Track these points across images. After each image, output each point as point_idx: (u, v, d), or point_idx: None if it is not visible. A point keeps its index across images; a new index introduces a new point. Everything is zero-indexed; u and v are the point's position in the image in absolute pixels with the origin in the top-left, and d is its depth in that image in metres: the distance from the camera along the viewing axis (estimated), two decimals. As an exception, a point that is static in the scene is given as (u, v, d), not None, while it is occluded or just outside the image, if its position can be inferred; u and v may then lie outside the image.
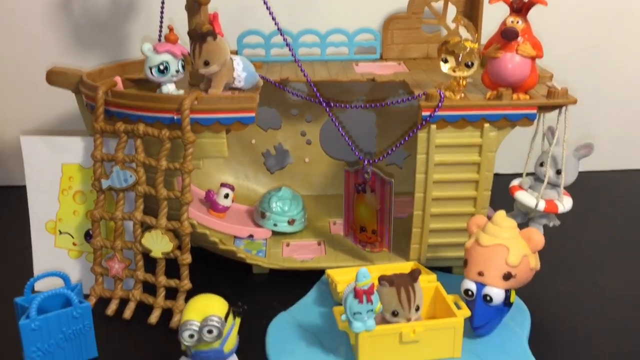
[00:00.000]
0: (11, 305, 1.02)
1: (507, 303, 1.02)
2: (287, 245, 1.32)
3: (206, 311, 0.94)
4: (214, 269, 1.27)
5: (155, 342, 1.07)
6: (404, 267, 1.12)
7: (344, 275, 1.11)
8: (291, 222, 1.33)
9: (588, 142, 1.15)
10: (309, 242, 1.33)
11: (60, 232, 1.20)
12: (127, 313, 1.13)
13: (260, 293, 1.21)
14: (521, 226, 1.19)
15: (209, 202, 1.34)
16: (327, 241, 1.33)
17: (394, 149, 1.13)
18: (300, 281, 1.21)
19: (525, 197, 1.16)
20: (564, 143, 1.13)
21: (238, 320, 0.99)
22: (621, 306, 1.13)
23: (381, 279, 0.96)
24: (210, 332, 0.93)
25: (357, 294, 0.92)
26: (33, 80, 1.50)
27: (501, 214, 1.03)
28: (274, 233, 1.34)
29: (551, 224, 1.20)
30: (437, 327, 0.97)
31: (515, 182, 1.21)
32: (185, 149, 1.07)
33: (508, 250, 0.99)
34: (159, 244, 1.10)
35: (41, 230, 1.20)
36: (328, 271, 1.17)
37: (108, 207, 1.16)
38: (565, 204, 1.16)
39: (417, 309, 0.97)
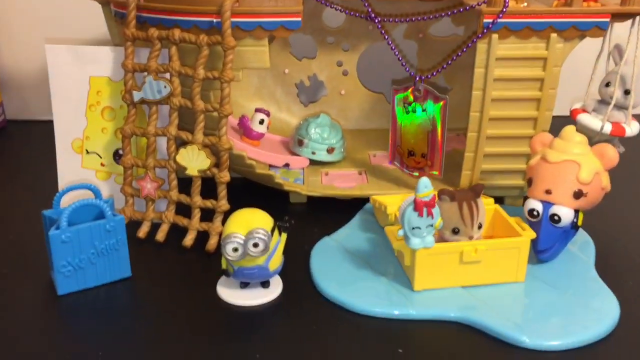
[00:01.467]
0: (38, 228, 0.94)
1: (574, 225, 0.94)
2: (326, 174, 1.24)
3: (251, 224, 0.87)
4: (248, 198, 1.19)
5: (190, 265, 1.00)
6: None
7: (392, 200, 1.03)
8: (330, 151, 1.25)
9: (660, 59, 1.05)
10: (349, 171, 1.25)
11: (88, 152, 1.12)
12: (160, 235, 1.05)
13: (299, 222, 1.13)
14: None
15: (243, 129, 1.25)
16: (368, 171, 1.24)
17: (449, 62, 1.04)
18: (340, 211, 1.13)
19: (589, 120, 1.07)
20: (635, 59, 1.04)
21: (284, 236, 0.91)
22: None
23: (441, 192, 0.88)
24: (256, 245, 0.85)
25: (417, 205, 0.84)
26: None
27: (570, 128, 0.95)
28: (312, 162, 1.26)
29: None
30: (501, 247, 0.89)
31: (576, 105, 1.12)
32: (225, 55, 0.99)
33: (579, 167, 0.91)
34: (195, 160, 1.02)
35: (67, 150, 1.12)
36: (374, 196, 1.09)
37: (140, 122, 1.08)
38: (633, 127, 1.07)
39: (480, 226, 0.89)
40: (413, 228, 0.85)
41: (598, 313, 0.85)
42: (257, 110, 1.25)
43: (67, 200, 0.95)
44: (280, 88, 1.44)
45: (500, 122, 1.06)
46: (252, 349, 0.82)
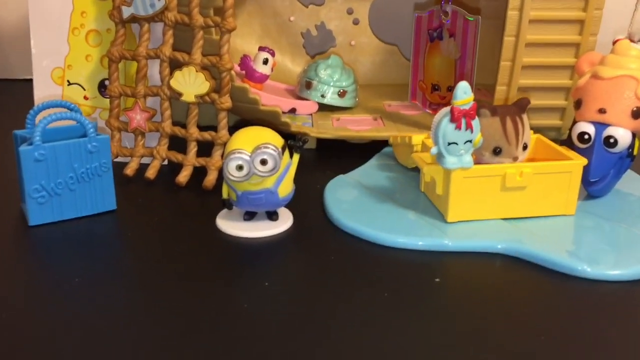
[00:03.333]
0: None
1: (630, 154, 0.81)
2: (337, 119, 1.11)
3: (258, 140, 0.73)
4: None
5: (185, 201, 0.87)
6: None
7: (418, 137, 0.90)
8: (342, 95, 1.12)
9: None
10: (363, 117, 1.12)
11: (69, 83, 0.99)
12: (151, 172, 0.92)
13: (308, 169, 1.00)
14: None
15: (245, 70, 1.13)
16: (384, 117, 1.12)
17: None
18: (354, 159, 0.98)
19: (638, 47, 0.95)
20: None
21: (296, 158, 0.78)
22: None
23: (481, 106, 0.75)
24: (264, 162, 0.72)
25: (454, 115, 0.71)
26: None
27: (626, 41, 0.82)
28: (321, 108, 1.13)
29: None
30: (551, 171, 0.76)
31: (620, 36, 1.00)
32: (229, -39, 0.86)
33: (638, 82, 0.78)
34: (191, 84, 0.89)
35: (45, 81, 0.99)
36: (394, 135, 0.96)
37: (129, 45, 0.95)
38: (685, 57, 0.94)
39: (525, 147, 0.76)
40: (449, 144, 0.72)
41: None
42: (261, 48, 1.13)
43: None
44: (285, 37, 1.31)
45: (538, 48, 0.94)
46: (260, 278, 0.68)
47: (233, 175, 0.73)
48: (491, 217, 0.77)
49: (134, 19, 0.91)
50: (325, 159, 1.04)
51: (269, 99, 1.11)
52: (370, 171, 0.93)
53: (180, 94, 0.90)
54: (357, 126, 1.07)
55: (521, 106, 0.76)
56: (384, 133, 1.02)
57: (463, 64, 0.95)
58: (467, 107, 0.71)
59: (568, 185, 0.77)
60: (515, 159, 0.76)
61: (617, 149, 0.79)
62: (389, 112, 1.13)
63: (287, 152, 0.77)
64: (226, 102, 0.89)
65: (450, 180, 0.75)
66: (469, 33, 0.92)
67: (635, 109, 0.78)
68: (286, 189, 0.76)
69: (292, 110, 1.12)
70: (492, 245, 0.73)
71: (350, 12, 1.30)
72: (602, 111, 0.79)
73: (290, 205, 0.80)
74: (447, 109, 0.72)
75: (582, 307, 0.65)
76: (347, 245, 0.75)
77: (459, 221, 0.77)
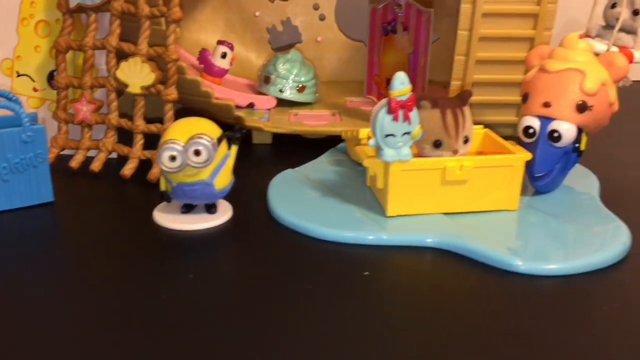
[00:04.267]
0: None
1: (576, 149, 0.80)
2: (295, 114, 1.09)
3: (193, 131, 0.72)
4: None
5: (127, 195, 0.85)
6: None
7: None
8: (300, 90, 1.11)
9: (673, -25, 0.93)
10: (322, 112, 1.11)
11: (19, 74, 0.97)
12: (96, 165, 0.90)
13: (262, 163, 0.99)
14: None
15: (204, 64, 1.11)
16: (343, 113, 1.10)
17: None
18: (309, 155, 0.96)
19: (595, 44, 0.94)
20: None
21: (234, 149, 0.76)
22: None
23: (421, 98, 0.73)
24: (197, 153, 0.71)
25: (391, 106, 0.70)
26: None
27: (573, 35, 0.81)
28: (280, 103, 1.12)
29: (621, 83, 0.97)
30: (491, 165, 0.75)
31: (580, 32, 0.99)
32: (174, -51, 0.85)
33: (583, 75, 0.77)
34: (137, 75, 0.88)
35: (-5, 72, 0.97)
36: (345, 130, 0.95)
37: (79, 35, 0.93)
38: (641, 53, 0.93)
39: (466, 140, 0.75)
40: (386, 136, 0.71)
41: (604, 239, 0.71)
42: (220, 42, 1.11)
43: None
44: (250, 33, 1.30)
45: (492, 42, 0.93)
46: (184, 270, 0.67)
47: (166, 166, 0.71)
48: (432, 211, 0.76)
49: (80, 8, 0.90)
50: (281, 153, 1.02)
51: (228, 93, 1.10)
52: (320, 166, 0.91)
53: (126, 85, 0.89)
54: (314, 121, 1.06)
55: (463, 99, 0.74)
56: (339, 128, 1.01)
57: (416, 58, 0.94)
58: (404, 99, 0.70)
59: (510, 180, 0.76)
60: (455, 152, 0.74)
61: (561, 144, 0.77)
62: (349, 108, 1.12)
63: (224, 144, 0.75)
64: (172, 93, 0.88)
65: (389, 174, 0.73)
66: (422, 27, 0.91)
67: (580, 102, 0.77)
68: (223, 181, 0.75)
69: (251, 105, 1.11)
70: (427, 240, 0.71)
71: (316, 7, 1.29)
72: (546, 105, 0.78)
73: (234, 198, 0.79)
74: (385, 100, 0.71)
75: (514, 302, 0.63)
76: (283, 238, 0.74)
77: (399, 215, 0.75)
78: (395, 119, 0.70)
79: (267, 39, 1.30)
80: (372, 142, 0.72)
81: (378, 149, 0.72)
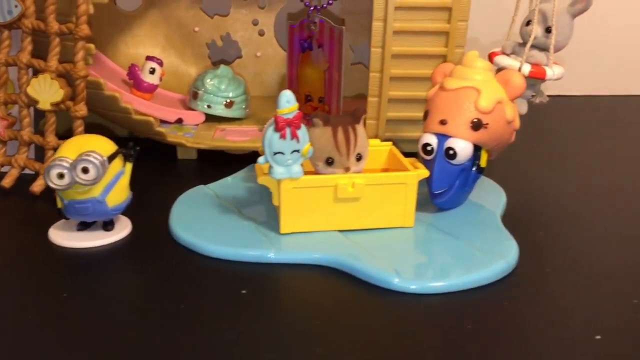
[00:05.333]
0: None
1: (476, 166, 0.80)
2: (222, 130, 1.10)
3: (84, 148, 0.72)
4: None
5: (33, 212, 0.85)
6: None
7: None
8: (228, 105, 1.11)
9: (586, -7, 0.93)
10: (249, 128, 1.11)
11: (-62, 90, 0.97)
12: (7, 180, 0.90)
13: (180, 181, 0.98)
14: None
15: (133, 79, 1.12)
16: (270, 128, 1.10)
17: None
18: (232, 170, 0.96)
19: (507, 61, 0.94)
20: (555, -10, 0.91)
21: (129, 167, 0.76)
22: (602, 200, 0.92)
23: (314, 116, 0.74)
24: (85, 170, 0.71)
25: (278, 124, 0.70)
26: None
27: (473, 53, 0.81)
28: (209, 118, 1.12)
29: (537, 100, 0.98)
30: (384, 182, 0.75)
31: (496, 49, 0.99)
32: (81, -33, 0.85)
33: (478, 93, 0.77)
34: (47, 91, 0.88)
35: None
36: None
37: (-9, 52, 0.93)
38: (555, 70, 0.94)
39: (359, 158, 0.75)
40: (275, 153, 0.71)
41: (490, 257, 0.71)
42: (148, 58, 1.12)
43: None
44: (190, 48, 1.30)
45: (405, 59, 0.93)
46: (60, 289, 0.66)
47: (54, 184, 0.71)
48: (327, 228, 0.76)
49: (-7, 25, 0.90)
50: (204, 169, 1.03)
51: (155, 108, 1.10)
52: (233, 182, 0.91)
53: (36, 102, 0.89)
54: (240, 137, 1.06)
55: (355, 116, 0.75)
56: (259, 144, 1.01)
57: (331, 74, 0.94)
58: (290, 117, 0.70)
59: (404, 198, 0.76)
60: (347, 169, 0.74)
61: (457, 161, 0.78)
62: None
63: (119, 161, 0.75)
64: (81, 110, 0.88)
65: (280, 191, 0.73)
66: (335, 44, 0.91)
67: (474, 120, 0.77)
68: (117, 198, 0.75)
69: (179, 120, 1.11)
70: (315, 258, 0.72)
71: (255, 23, 1.30)
72: (443, 122, 0.78)
73: (139, 213, 0.79)
74: (273, 118, 0.71)
75: (390, 320, 0.63)
76: (176, 256, 0.74)
77: (294, 232, 0.75)
78: (283, 137, 0.70)
79: (207, 54, 1.31)
80: (261, 159, 0.72)
81: (269, 167, 0.73)
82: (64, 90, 0.88)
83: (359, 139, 0.74)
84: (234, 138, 1.05)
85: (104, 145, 0.74)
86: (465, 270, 0.68)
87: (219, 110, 1.11)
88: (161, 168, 1.03)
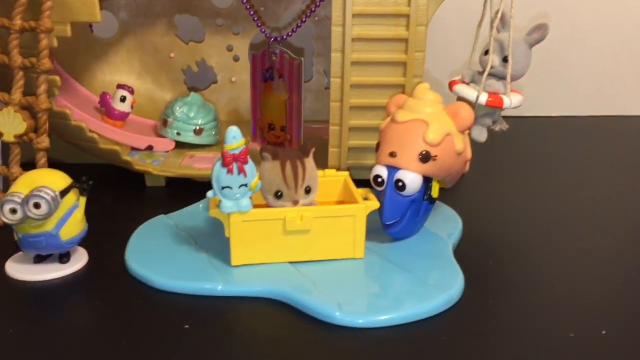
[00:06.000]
0: None
1: (427, 197, 0.81)
2: (191, 157, 1.11)
3: (37, 183, 0.74)
4: (101, 181, 1.07)
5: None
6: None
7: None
8: (198, 132, 1.13)
9: (541, 23, 0.95)
10: (218, 154, 1.12)
11: None
12: (-28, 211, 0.91)
13: (151, 207, 1.00)
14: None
15: (104, 107, 1.13)
16: (239, 154, 1.12)
17: (304, 19, 0.93)
18: (198, 198, 0.98)
19: (465, 90, 0.96)
20: (511, 20, 0.93)
21: (82, 200, 0.78)
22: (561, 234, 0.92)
23: (263, 150, 0.75)
24: (37, 206, 0.72)
25: (225, 160, 0.72)
26: None
27: (424, 85, 0.83)
28: (180, 145, 1.14)
29: (497, 128, 0.99)
30: (332, 214, 0.76)
31: (456, 77, 1.01)
32: (42, 1, 0.87)
33: (427, 126, 0.79)
34: (10, 124, 0.90)
35: None
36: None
37: (-41, 84, 0.95)
38: (513, 99, 0.95)
39: (308, 191, 0.76)
40: (223, 188, 0.73)
41: (433, 290, 0.72)
42: (119, 86, 1.14)
43: None
44: (166, 74, 1.32)
45: (364, 89, 0.95)
46: (12, 322, 0.68)
47: (7, 219, 0.73)
48: (277, 260, 0.77)
49: (-42, 59, 0.92)
50: (170, 196, 1.04)
51: (126, 136, 1.12)
52: (194, 212, 0.93)
53: (1, 134, 0.91)
54: (207, 164, 1.07)
55: (304, 150, 0.76)
56: (226, 172, 1.02)
57: (292, 104, 0.95)
58: (237, 152, 0.72)
59: (353, 229, 0.77)
60: (295, 202, 0.76)
61: (407, 193, 0.79)
62: (251, 149, 1.14)
63: (73, 194, 0.77)
64: (43, 142, 0.90)
65: (230, 224, 0.75)
66: (294, 74, 0.93)
67: (423, 152, 0.78)
68: (71, 231, 0.76)
69: (149, 148, 1.13)
70: (262, 291, 0.73)
71: (230, 48, 1.31)
72: (392, 155, 0.79)
73: (98, 243, 0.81)
74: (220, 153, 0.73)
75: (329, 355, 0.64)
76: (128, 289, 0.75)
77: (245, 265, 0.77)
78: (230, 171, 0.72)
79: (183, 80, 1.33)
80: (210, 193, 0.74)
81: (219, 200, 0.74)
82: (26, 123, 0.89)
83: (307, 172, 0.75)
84: (200, 165, 1.06)
85: (57, 180, 0.75)
86: (407, 304, 0.69)
87: (189, 137, 1.13)
88: (129, 195, 1.04)
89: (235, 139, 0.71)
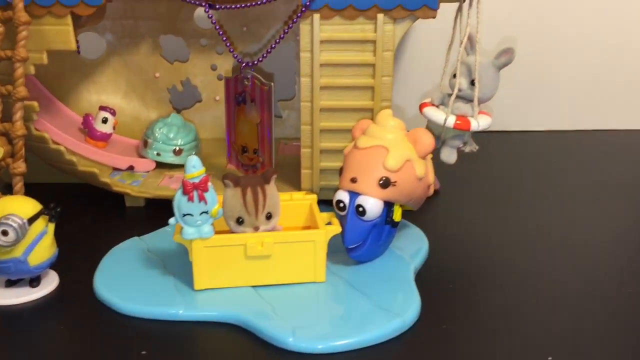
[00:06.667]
0: None
1: (389, 221, 0.83)
2: (170, 177, 1.13)
3: (6, 211, 0.76)
4: (82, 201, 1.10)
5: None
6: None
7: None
8: (177, 152, 1.15)
9: (508, 47, 0.96)
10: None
11: None
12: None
13: (129, 228, 1.02)
14: (434, 152, 1.01)
15: (87, 128, 1.16)
16: (217, 175, 1.14)
17: (273, 45, 0.95)
18: None
19: (434, 113, 0.97)
20: (477, 44, 0.94)
21: (51, 227, 0.80)
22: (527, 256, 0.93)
23: (224, 177, 0.77)
24: (4, 233, 0.75)
25: (185, 188, 0.74)
26: None
27: (386, 112, 0.85)
28: (159, 165, 1.16)
29: (467, 149, 1.01)
30: (292, 240, 0.78)
31: (426, 100, 1.02)
32: (18, 32, 0.90)
33: (388, 152, 0.80)
34: (-12, 149, 0.93)
35: None
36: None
37: (-60, 110, 0.98)
38: (480, 121, 0.96)
39: (269, 217, 0.78)
40: (184, 215, 0.75)
41: (388, 315, 0.73)
42: (101, 108, 1.16)
43: None
44: (151, 93, 1.35)
45: (333, 113, 0.96)
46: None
47: (-22, 246, 0.75)
48: (240, 284, 0.79)
49: (-60, 86, 0.95)
50: (148, 217, 1.06)
51: (107, 157, 1.14)
52: (168, 234, 0.94)
53: (-21, 159, 0.93)
54: (183, 184, 1.09)
55: (266, 177, 0.78)
56: (202, 193, 1.04)
57: (263, 128, 0.98)
58: (197, 181, 0.74)
59: (314, 254, 0.79)
60: (256, 228, 0.77)
61: (367, 218, 0.80)
62: (227, 170, 1.16)
63: (42, 221, 0.79)
64: (19, 167, 0.92)
65: (192, 250, 0.77)
66: (265, 99, 0.95)
67: (383, 178, 0.80)
68: (40, 257, 0.79)
69: (131, 168, 1.15)
70: (221, 315, 0.74)
71: (214, 68, 1.34)
72: (353, 180, 0.81)
73: (71, 267, 0.84)
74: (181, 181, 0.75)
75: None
76: (94, 314, 0.77)
77: (208, 289, 0.79)
78: (191, 199, 0.74)
79: (168, 99, 1.35)
80: (172, 220, 0.76)
81: (182, 227, 0.76)
82: (3, 149, 0.92)
83: (268, 199, 0.77)
84: (175, 186, 1.08)
85: (26, 207, 0.78)
86: (360, 329, 0.71)
87: (168, 158, 1.15)
88: (110, 214, 1.07)
89: (195, 168, 0.73)
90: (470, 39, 0.97)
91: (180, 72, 1.34)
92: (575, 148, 1.38)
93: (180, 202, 0.74)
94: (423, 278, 0.83)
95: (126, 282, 0.80)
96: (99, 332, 0.73)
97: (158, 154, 1.15)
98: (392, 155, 0.80)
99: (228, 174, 0.78)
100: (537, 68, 1.41)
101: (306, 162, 1.00)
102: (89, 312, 0.77)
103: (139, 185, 1.09)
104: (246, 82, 0.97)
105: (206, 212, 0.75)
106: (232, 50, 0.99)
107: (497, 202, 1.09)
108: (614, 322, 0.75)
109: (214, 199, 0.75)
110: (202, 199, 0.74)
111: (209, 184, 0.75)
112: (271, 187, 0.78)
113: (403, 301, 0.76)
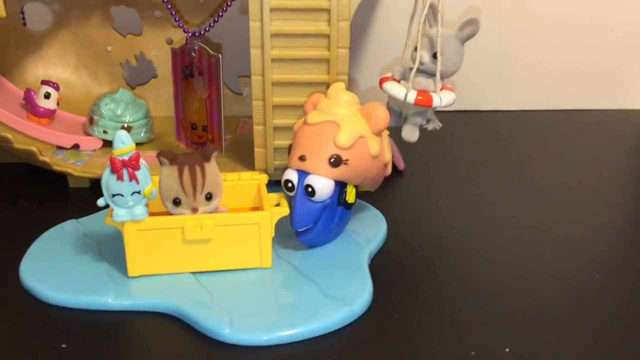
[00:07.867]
0: None
1: (342, 202, 0.77)
2: (118, 156, 1.06)
3: None
4: (21, 181, 1.03)
5: None
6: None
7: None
8: (126, 130, 1.08)
9: (472, 17, 0.90)
10: (147, 153, 1.07)
11: None
12: None
13: (68, 211, 0.95)
14: (396, 130, 0.95)
15: (29, 104, 1.09)
16: (170, 153, 1.07)
17: (220, 14, 0.88)
18: None
19: (394, 88, 0.91)
20: (439, 15, 0.88)
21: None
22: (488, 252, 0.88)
23: (160, 154, 0.71)
24: None
25: (113, 166, 0.67)
26: None
27: (338, 85, 0.78)
28: (107, 144, 1.09)
29: (430, 127, 0.95)
30: (234, 223, 0.72)
31: (387, 74, 0.96)
32: (-61, -4, 0.82)
33: (339, 128, 0.74)
34: None
35: None
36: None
37: None
38: (443, 97, 0.91)
39: (210, 197, 0.72)
40: (114, 195, 0.68)
41: (336, 304, 0.68)
42: (43, 82, 1.09)
43: None
44: (104, 68, 1.27)
45: (286, 87, 0.90)
46: None
47: None
48: (178, 270, 0.73)
49: None
50: (92, 199, 0.98)
51: (49, 135, 1.07)
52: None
53: None
54: (133, 164, 1.02)
55: (206, 154, 0.72)
56: (155, 172, 0.98)
57: (212, 103, 0.91)
58: (126, 158, 0.67)
59: (259, 238, 0.73)
60: (195, 210, 0.71)
61: (317, 198, 0.75)
62: (182, 149, 1.09)
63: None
64: (-56, 144, 0.85)
65: (124, 233, 0.70)
66: (213, 72, 0.88)
67: (333, 156, 0.74)
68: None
69: (76, 146, 1.08)
70: (154, 305, 0.68)
71: (169, 42, 1.26)
72: (302, 158, 0.75)
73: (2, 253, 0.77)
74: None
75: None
76: (18, 304, 0.71)
77: (143, 276, 0.72)
78: (120, 178, 0.67)
79: (121, 74, 1.28)
80: (100, 201, 0.69)
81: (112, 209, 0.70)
82: None
83: (207, 177, 0.71)
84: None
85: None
86: (305, 319, 0.65)
87: (116, 135, 1.08)
88: (50, 197, 1.00)
89: (124, 143, 0.67)
90: (433, 9, 0.91)
91: (133, 46, 1.26)
92: (546, 128, 1.32)
93: (108, 181, 0.68)
94: (379, 264, 0.77)
95: (55, 268, 0.74)
96: (22, 325, 0.67)
97: (105, 132, 1.08)
98: (344, 132, 0.74)
99: (163, 150, 0.71)
100: (508, 46, 1.36)
101: (259, 140, 0.93)
102: (12, 302, 0.71)
103: (83, 164, 1.02)
104: (193, 54, 0.90)
105: (138, 192, 0.69)
106: (177, 19, 0.92)
107: (464, 184, 1.03)
108: (577, 312, 0.70)
109: (147, 177, 0.69)
110: (133, 177, 0.68)
111: (142, 160, 0.68)
112: (212, 166, 0.72)
113: (354, 289, 0.70)
